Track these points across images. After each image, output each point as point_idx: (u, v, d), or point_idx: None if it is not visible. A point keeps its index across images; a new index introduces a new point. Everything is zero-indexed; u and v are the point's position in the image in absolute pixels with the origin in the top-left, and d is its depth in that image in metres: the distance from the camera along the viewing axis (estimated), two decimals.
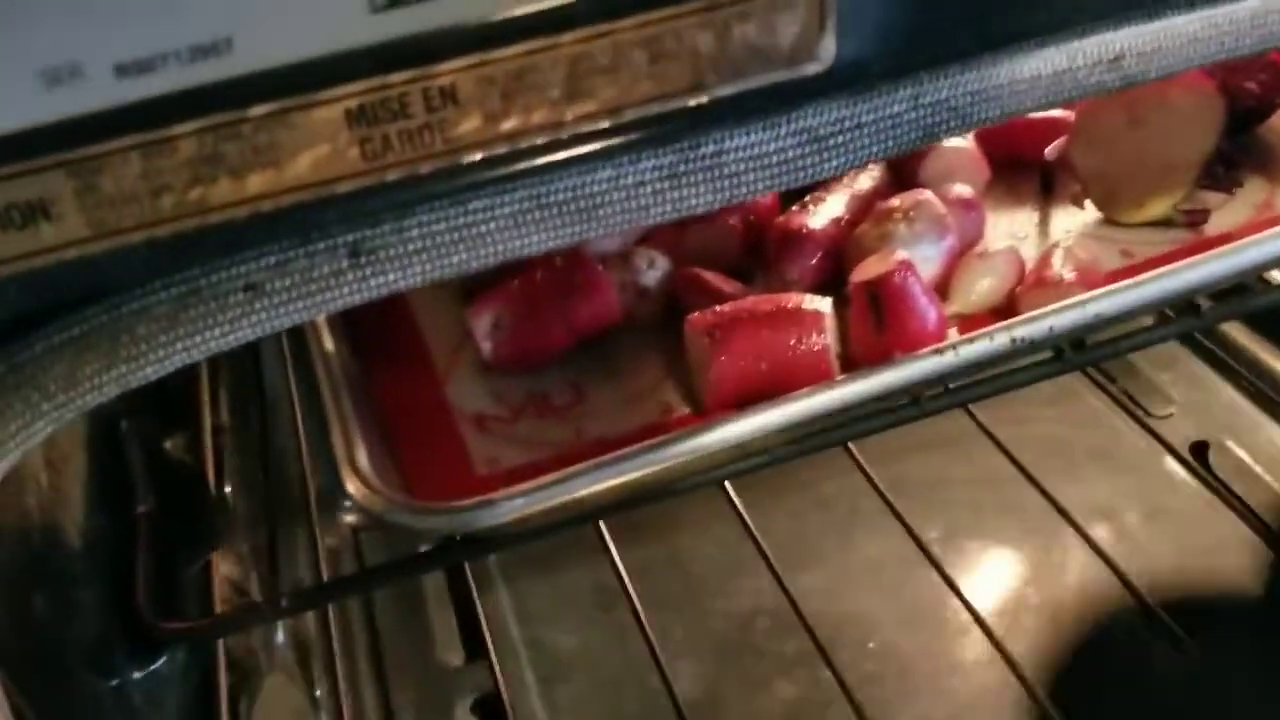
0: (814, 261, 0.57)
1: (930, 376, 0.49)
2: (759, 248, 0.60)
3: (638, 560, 1.17)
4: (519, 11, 0.28)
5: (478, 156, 0.29)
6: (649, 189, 0.32)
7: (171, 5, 0.25)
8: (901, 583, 1.07)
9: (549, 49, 0.29)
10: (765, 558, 0.74)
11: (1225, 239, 0.58)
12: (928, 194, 0.58)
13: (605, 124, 0.30)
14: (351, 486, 0.46)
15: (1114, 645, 0.91)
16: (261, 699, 0.67)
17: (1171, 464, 1.14)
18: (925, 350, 0.49)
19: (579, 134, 0.30)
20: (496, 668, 0.96)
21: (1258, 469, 1.10)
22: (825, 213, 0.59)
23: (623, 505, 0.48)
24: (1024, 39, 0.33)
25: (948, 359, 0.49)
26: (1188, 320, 0.55)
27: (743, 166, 0.33)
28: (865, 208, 0.60)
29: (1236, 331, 1.23)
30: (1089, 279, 0.54)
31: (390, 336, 0.60)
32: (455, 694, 1.03)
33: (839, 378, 0.50)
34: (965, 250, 0.59)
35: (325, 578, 0.69)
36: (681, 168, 0.32)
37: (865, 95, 0.33)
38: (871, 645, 1.04)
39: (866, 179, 0.63)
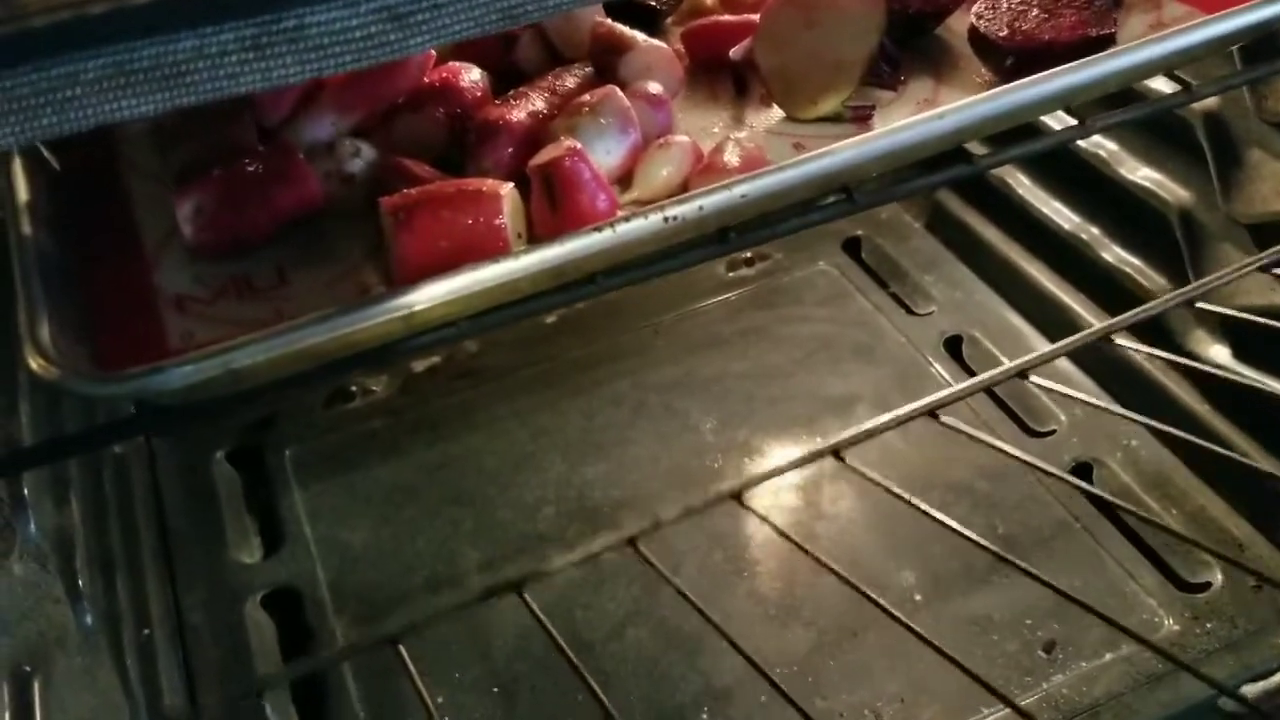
0: (509, 151, 0.61)
1: (592, 252, 0.54)
2: (464, 139, 0.64)
3: (436, 458, 1.23)
4: None
5: (41, 23, 0.32)
6: (234, 59, 0.35)
7: None
8: (675, 469, 1.15)
9: None
10: None
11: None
12: (615, 90, 0.62)
13: None
14: (30, 359, 0.48)
15: None
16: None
17: (927, 357, 1.24)
18: (587, 228, 0.54)
19: (144, 5, 0.33)
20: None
21: (1002, 357, 1.21)
22: (525, 107, 0.63)
23: (299, 379, 0.51)
24: None
25: (606, 235, 0.53)
26: (841, 204, 0.60)
27: (326, 40, 0.36)
28: (564, 103, 0.64)
29: (991, 234, 1.33)
30: (752, 165, 0.59)
31: (107, 225, 0.62)
32: (247, 590, 1.06)
33: (511, 252, 0.54)
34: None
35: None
36: (264, 39, 0.36)
37: None
38: (644, 525, 1.12)
39: (571, 78, 0.67)
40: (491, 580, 0.64)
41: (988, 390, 1.18)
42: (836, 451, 0.70)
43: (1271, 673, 0.92)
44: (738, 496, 0.67)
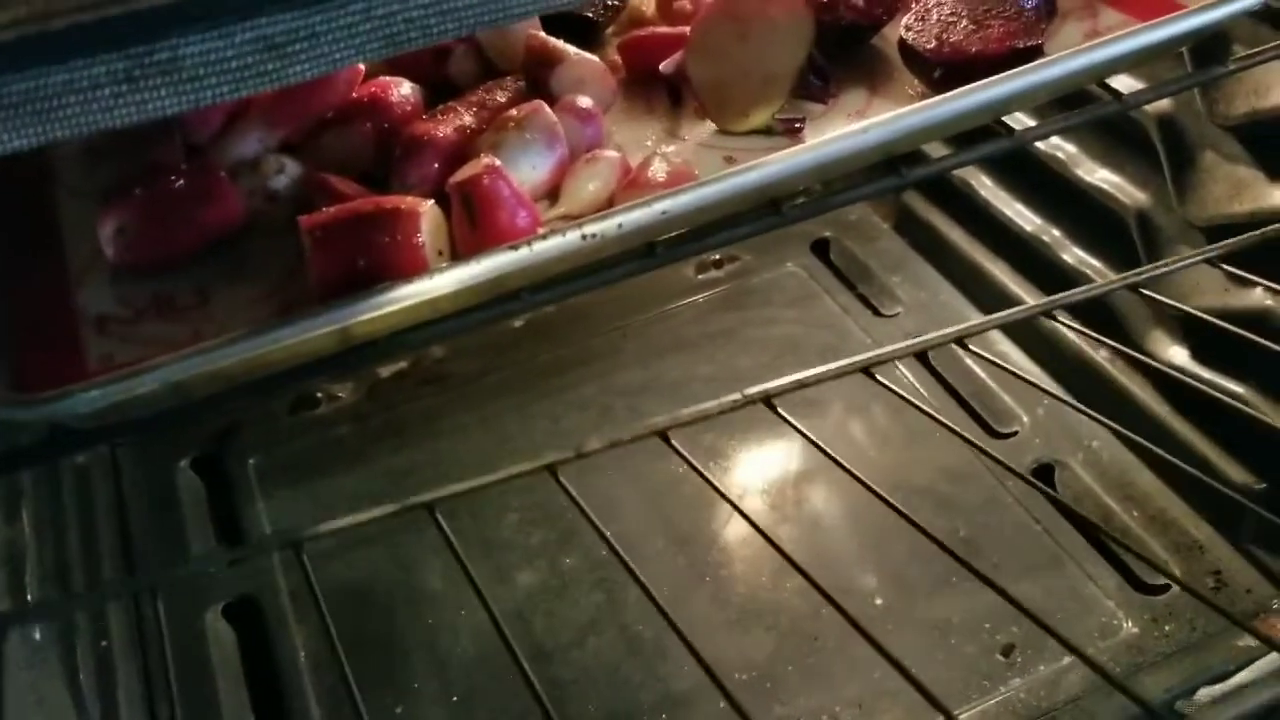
0: (435, 167, 0.61)
1: (509, 270, 0.54)
2: (391, 155, 0.63)
3: (401, 464, 1.22)
4: None
5: None
6: (107, 92, 0.35)
7: None
8: (643, 472, 1.15)
9: None
10: None
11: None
12: (542, 105, 0.62)
13: (34, 30, 0.33)
14: None
15: None
16: None
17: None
18: (504, 246, 0.54)
19: (10, 40, 0.33)
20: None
21: (967, 360, 1.20)
22: (452, 122, 0.63)
23: (215, 401, 0.51)
24: None
25: (523, 254, 0.53)
26: (769, 219, 0.60)
27: (202, 71, 0.36)
28: (493, 118, 0.64)
29: (957, 235, 1.32)
30: (679, 181, 0.59)
31: (35, 243, 0.62)
32: (208, 599, 1.06)
33: (428, 271, 0.54)
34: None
35: None
36: (137, 72, 0.35)
37: (318, 6, 0.37)
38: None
39: (502, 92, 0.66)
40: None
41: (951, 389, 1.18)
42: (768, 399, 0.70)
43: (1229, 675, 0.91)
44: (663, 434, 0.68)
